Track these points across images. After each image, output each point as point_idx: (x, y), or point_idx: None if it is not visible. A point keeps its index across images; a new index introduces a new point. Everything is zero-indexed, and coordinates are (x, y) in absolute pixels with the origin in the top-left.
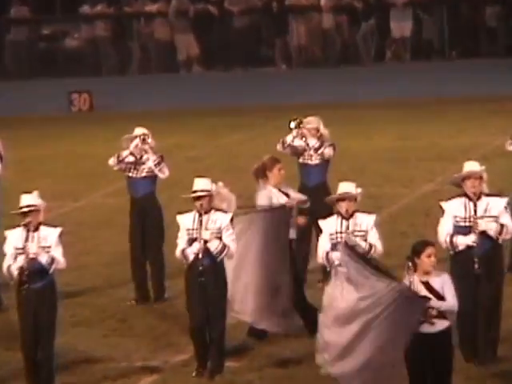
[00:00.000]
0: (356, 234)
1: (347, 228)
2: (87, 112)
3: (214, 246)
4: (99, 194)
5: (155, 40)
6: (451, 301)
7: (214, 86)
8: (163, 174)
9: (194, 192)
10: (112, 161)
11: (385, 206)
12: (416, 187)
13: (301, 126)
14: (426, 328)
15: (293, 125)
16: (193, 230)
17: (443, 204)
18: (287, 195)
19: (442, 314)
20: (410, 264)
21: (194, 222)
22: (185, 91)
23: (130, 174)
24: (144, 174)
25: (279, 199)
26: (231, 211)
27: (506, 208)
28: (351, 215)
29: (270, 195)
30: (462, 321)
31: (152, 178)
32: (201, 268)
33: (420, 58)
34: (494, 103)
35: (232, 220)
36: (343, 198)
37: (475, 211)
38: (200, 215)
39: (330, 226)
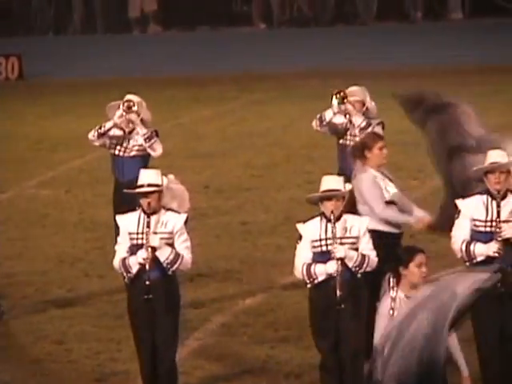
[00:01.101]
0: (344, 241)
1: (333, 234)
2: (16, 81)
3: (164, 254)
4: (31, 183)
5: None
6: None
7: (175, 50)
8: (154, 151)
9: (140, 187)
10: (92, 134)
11: None
12: (428, 179)
13: (345, 101)
14: None
15: (336, 101)
16: (137, 234)
17: (459, 203)
18: (391, 180)
19: None
20: (392, 277)
21: (139, 224)
22: (138, 56)
23: (116, 152)
24: (133, 153)
25: (386, 186)
26: (184, 211)
27: None
28: (338, 218)
29: (373, 179)
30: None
31: (143, 157)
32: (147, 282)
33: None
34: None
35: (186, 222)
36: (328, 196)
37: (498, 213)
38: (147, 216)
39: (311, 231)
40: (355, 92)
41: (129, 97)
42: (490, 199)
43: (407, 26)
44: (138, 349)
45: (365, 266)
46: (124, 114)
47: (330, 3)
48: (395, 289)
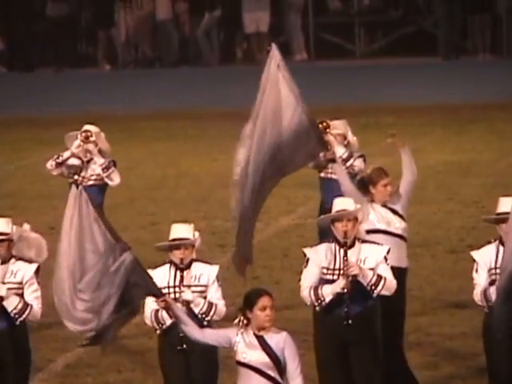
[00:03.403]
0: (193, 289)
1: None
2: None
3: (11, 304)
4: None
5: None
6: (293, 371)
7: (18, 91)
8: (112, 181)
9: None
10: (50, 164)
11: (232, 243)
12: (272, 220)
13: (327, 131)
14: None
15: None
16: None
17: (307, 251)
18: (394, 212)
19: None
20: (242, 318)
21: None
22: None
23: (74, 182)
24: (91, 182)
25: (382, 218)
26: (42, 260)
27: None
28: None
29: (368, 212)
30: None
31: (100, 186)
32: None
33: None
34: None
35: (38, 272)
36: (177, 244)
37: (346, 262)
38: None
39: (160, 278)
40: (337, 125)
41: (86, 127)
42: (337, 247)
43: (253, 68)
44: None
45: (211, 313)
46: (82, 143)
47: (175, 44)
48: (243, 328)
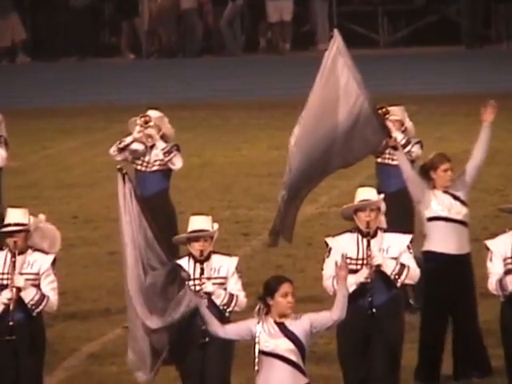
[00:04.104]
0: (212, 281)
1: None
2: None
3: (29, 295)
4: None
5: None
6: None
7: (41, 80)
8: (174, 165)
9: (6, 226)
10: (113, 149)
11: (256, 232)
12: None
13: (386, 117)
14: None
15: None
16: (2, 274)
17: (329, 240)
18: (456, 197)
19: None
20: (262, 306)
21: (5, 264)
22: (4, 86)
23: (138, 167)
24: (155, 168)
25: (443, 204)
26: (55, 251)
27: None
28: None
29: (430, 198)
30: None
31: (164, 171)
32: (11, 323)
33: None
34: None
35: (54, 263)
36: (195, 236)
37: (369, 251)
38: (13, 256)
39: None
40: (395, 111)
41: (148, 112)
42: (360, 237)
43: (276, 57)
44: None
45: (233, 305)
46: (142, 128)
47: (198, 34)
48: (263, 317)
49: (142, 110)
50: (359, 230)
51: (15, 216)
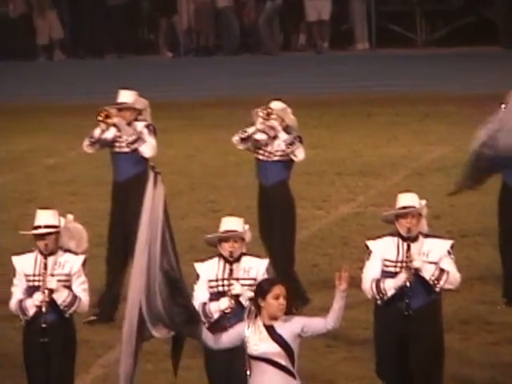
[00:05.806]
0: (242, 282)
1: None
2: None
3: (61, 297)
4: None
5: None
6: (318, 320)
7: (80, 78)
8: (296, 157)
9: (37, 228)
10: (235, 138)
11: None
12: (333, 209)
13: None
14: None
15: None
16: (34, 276)
17: (370, 244)
18: None
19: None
20: (252, 307)
21: (36, 265)
22: (42, 82)
23: (260, 157)
24: (276, 158)
25: None
26: (81, 251)
27: None
28: (237, 259)
29: None
30: None
31: (285, 162)
32: (43, 325)
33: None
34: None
35: (85, 263)
36: (226, 237)
37: (409, 254)
38: (44, 257)
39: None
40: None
41: (271, 103)
42: (400, 241)
43: (314, 56)
44: None
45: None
46: (264, 120)
47: (235, 31)
48: (253, 320)
49: (179, 108)
50: (400, 234)
51: (46, 218)
